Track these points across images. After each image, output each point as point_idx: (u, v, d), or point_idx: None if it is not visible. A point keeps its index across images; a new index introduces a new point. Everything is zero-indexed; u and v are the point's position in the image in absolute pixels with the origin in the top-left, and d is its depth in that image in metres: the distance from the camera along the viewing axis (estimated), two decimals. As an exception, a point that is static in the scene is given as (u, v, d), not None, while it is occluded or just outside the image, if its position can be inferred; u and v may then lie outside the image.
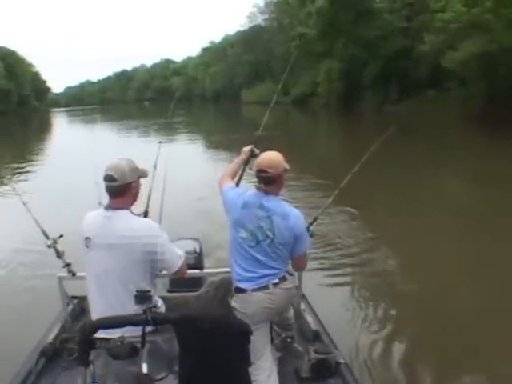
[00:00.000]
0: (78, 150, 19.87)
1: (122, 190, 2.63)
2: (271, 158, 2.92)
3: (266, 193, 2.89)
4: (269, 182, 2.89)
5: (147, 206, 3.90)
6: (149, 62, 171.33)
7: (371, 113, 35.54)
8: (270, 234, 2.83)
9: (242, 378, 2.15)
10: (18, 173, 15.53)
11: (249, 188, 3.10)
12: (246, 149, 3.45)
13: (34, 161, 19.38)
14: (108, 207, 2.67)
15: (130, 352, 1.97)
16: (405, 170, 12.77)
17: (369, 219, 8.58)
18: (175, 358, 2.14)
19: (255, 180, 2.97)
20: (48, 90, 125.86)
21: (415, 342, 4.60)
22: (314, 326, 3.58)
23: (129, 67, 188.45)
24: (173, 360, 2.23)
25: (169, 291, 3.84)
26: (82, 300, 3.86)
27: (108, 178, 2.61)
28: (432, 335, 4.63)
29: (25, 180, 14.15)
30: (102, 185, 4.26)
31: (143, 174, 2.82)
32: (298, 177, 11.35)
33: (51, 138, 37.76)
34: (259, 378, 2.76)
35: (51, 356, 3.25)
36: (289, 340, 3.46)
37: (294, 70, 57.28)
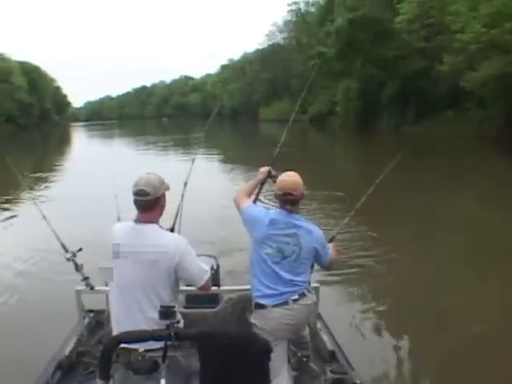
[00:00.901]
0: (96, 164, 19.98)
1: (152, 204, 2.69)
2: (294, 180, 3.06)
3: (290, 212, 3.04)
4: (294, 203, 3.04)
5: (174, 222, 3.92)
6: (168, 79, 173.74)
7: (388, 133, 35.49)
8: (296, 249, 2.98)
9: None
10: (38, 185, 15.79)
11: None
12: (264, 170, 3.51)
13: (53, 174, 19.69)
14: (137, 220, 2.71)
15: (151, 367, 2.00)
16: (420, 193, 12.65)
17: (384, 241, 8.52)
18: (194, 374, 2.16)
19: (269, 199, 3.03)
20: (68, 104, 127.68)
21: (433, 366, 4.54)
22: (330, 345, 3.58)
23: (148, 83, 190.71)
24: (191, 376, 2.25)
25: (185, 307, 3.86)
26: (98, 313, 3.91)
27: (140, 193, 2.65)
28: (453, 360, 4.58)
29: (44, 192, 14.37)
30: (121, 199, 4.35)
31: (167, 188, 2.86)
32: (313, 197, 11.34)
33: (71, 152, 38.30)
34: (276, 397, 2.78)
35: (67, 369, 3.29)
36: (305, 359, 3.46)
37: (312, 89, 57.58)
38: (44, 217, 3.85)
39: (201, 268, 2.77)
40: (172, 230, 3.78)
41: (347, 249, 7.48)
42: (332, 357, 3.47)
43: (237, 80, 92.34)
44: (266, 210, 3.15)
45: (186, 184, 4.33)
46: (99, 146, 40.78)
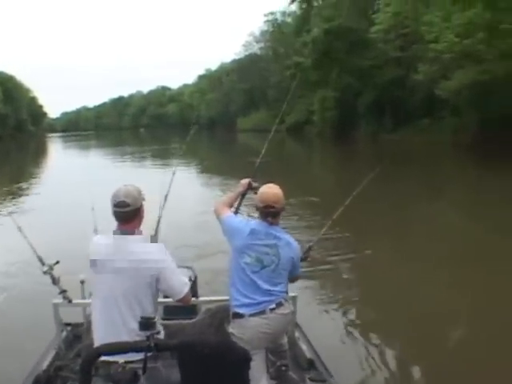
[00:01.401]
0: (72, 175, 19.85)
1: (133, 214, 2.70)
2: (276, 193, 3.10)
3: (271, 224, 3.07)
4: (275, 215, 3.08)
5: (156, 232, 3.91)
6: (145, 89, 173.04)
7: (365, 142, 35.97)
8: (275, 259, 3.02)
9: None
10: (13, 197, 15.60)
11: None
12: (244, 181, 3.51)
13: (29, 185, 19.44)
14: (117, 232, 2.72)
15: (131, 378, 1.99)
16: (396, 201, 12.79)
17: (361, 249, 8.55)
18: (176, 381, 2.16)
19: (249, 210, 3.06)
20: (45, 114, 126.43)
21: (412, 371, 4.58)
22: (308, 353, 3.58)
23: (125, 93, 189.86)
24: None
25: (163, 319, 3.84)
26: (76, 327, 3.86)
27: (121, 204, 2.66)
28: (431, 365, 4.61)
29: (20, 203, 14.19)
30: (98, 210, 4.33)
31: (143, 198, 2.87)
32: (291, 206, 11.39)
33: (47, 163, 37.76)
34: (256, 406, 2.77)
35: None
36: (283, 368, 3.44)
37: (289, 99, 57.98)
38: (19, 228, 3.77)
39: (181, 280, 2.78)
40: (153, 239, 3.78)
41: (325, 257, 7.49)
42: (310, 365, 3.46)
43: (214, 90, 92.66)
44: (247, 220, 3.19)
45: (166, 196, 4.29)
46: (76, 157, 40.46)
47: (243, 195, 3.56)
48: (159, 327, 2.72)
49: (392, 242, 9.35)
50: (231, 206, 3.43)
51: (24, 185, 19.44)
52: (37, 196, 16.56)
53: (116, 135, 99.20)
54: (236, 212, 3.48)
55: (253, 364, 2.47)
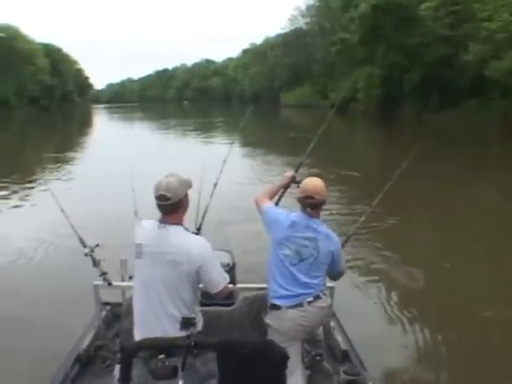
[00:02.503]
0: (115, 149, 19.81)
1: (174, 207, 2.70)
2: (317, 185, 3.11)
3: (311, 216, 3.08)
4: (315, 207, 3.09)
5: (201, 223, 3.91)
6: (189, 62, 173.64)
7: (410, 121, 35.10)
8: (314, 252, 3.03)
9: None
10: (57, 167, 15.94)
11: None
12: (288, 174, 3.54)
13: (73, 157, 19.64)
14: (162, 221, 2.73)
15: (170, 373, 2.05)
16: (440, 184, 12.48)
17: (403, 234, 8.47)
18: (212, 379, 2.22)
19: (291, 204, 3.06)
20: (90, 86, 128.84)
21: (450, 365, 4.52)
22: (343, 345, 3.62)
23: (170, 66, 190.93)
24: (210, 382, 2.31)
25: (201, 303, 3.90)
26: (115, 306, 3.98)
27: (161, 198, 2.66)
28: (472, 358, 4.57)
29: (63, 178, 14.21)
30: (139, 193, 4.39)
31: (190, 185, 2.86)
32: (333, 188, 11.32)
33: (92, 134, 38.37)
34: (290, 397, 2.82)
35: (85, 363, 3.38)
36: (318, 358, 3.50)
37: (334, 75, 57.31)
38: (62, 210, 3.87)
39: (220, 274, 2.81)
40: (198, 229, 3.82)
41: (365, 243, 7.43)
42: (345, 357, 3.50)
43: (258, 64, 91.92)
44: (287, 212, 3.18)
45: (215, 185, 4.27)
46: (120, 129, 41.07)
47: (286, 188, 3.58)
48: (199, 315, 2.81)
49: (435, 224, 9.21)
50: (272, 197, 3.44)
51: (69, 155, 19.86)
52: (80, 167, 16.78)
53: (160, 107, 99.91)
54: (276, 204, 3.50)
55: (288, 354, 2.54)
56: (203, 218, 3.96)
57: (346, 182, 12.55)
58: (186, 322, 2.13)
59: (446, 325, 5.24)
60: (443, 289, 6.10)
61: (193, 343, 2.05)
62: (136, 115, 67.30)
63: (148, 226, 2.81)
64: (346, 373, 3.15)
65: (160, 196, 2.66)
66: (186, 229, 2.79)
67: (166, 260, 2.67)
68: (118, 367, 2.95)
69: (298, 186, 3.30)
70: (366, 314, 5.33)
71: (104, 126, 46.31)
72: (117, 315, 3.85)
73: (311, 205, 3.07)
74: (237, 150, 19.54)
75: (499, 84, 26.12)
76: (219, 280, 2.79)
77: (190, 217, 3.13)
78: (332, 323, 3.84)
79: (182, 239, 2.72)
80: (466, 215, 9.68)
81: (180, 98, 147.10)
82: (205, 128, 35.55)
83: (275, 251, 3.08)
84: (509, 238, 8.07)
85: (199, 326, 2.79)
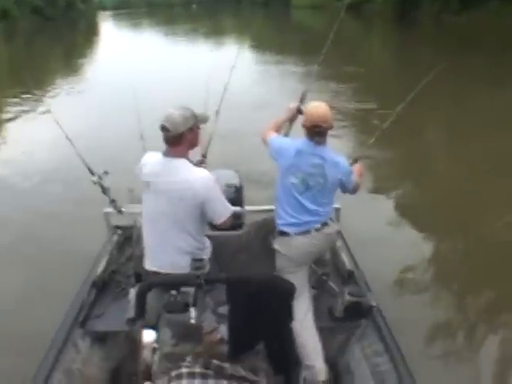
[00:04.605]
0: (120, 63, 19.51)
1: (176, 139, 2.69)
2: (323, 112, 3.02)
3: (318, 143, 3.04)
4: (323, 134, 3.03)
5: (206, 152, 3.85)
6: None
7: (430, 23, 33.37)
8: (321, 180, 3.02)
9: (285, 332, 2.41)
10: (63, 87, 15.55)
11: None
12: (293, 106, 3.46)
13: (79, 73, 19.38)
14: (166, 154, 2.76)
15: (183, 307, 2.17)
16: (459, 87, 12.19)
17: (419, 143, 8.31)
18: (223, 311, 2.34)
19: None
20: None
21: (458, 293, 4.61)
22: (348, 265, 3.70)
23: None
24: (221, 314, 2.43)
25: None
26: (126, 229, 4.07)
27: (162, 128, 2.69)
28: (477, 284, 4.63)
29: (66, 99, 13.74)
30: (144, 117, 4.35)
31: (203, 120, 2.86)
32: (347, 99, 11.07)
33: (98, 44, 37.55)
34: (296, 317, 2.89)
35: (101, 287, 3.51)
36: (324, 277, 3.61)
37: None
38: (69, 139, 3.85)
39: (224, 205, 2.83)
40: (204, 156, 3.77)
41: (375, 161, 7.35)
42: (350, 277, 3.59)
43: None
44: (294, 140, 3.14)
45: (217, 112, 4.15)
46: (128, 39, 39.82)
47: (292, 121, 3.52)
48: (205, 241, 2.92)
49: (449, 135, 9.08)
50: (278, 130, 3.39)
51: (75, 71, 19.57)
52: (86, 84, 16.37)
53: (168, 12, 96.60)
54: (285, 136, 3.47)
55: (296, 280, 2.64)
56: (209, 143, 3.91)
57: (359, 93, 12.21)
58: (196, 265, 2.36)
59: (453, 242, 5.31)
60: (455, 202, 6.10)
61: (202, 281, 2.16)
62: (143, 21, 65.29)
63: (152, 159, 2.83)
64: (350, 294, 3.23)
65: (161, 126, 2.69)
66: (189, 161, 2.79)
67: (171, 193, 2.70)
68: (132, 291, 3.07)
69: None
70: (373, 232, 5.33)
71: (111, 36, 44.94)
72: (128, 238, 3.94)
73: (318, 133, 3.01)
74: (247, 60, 19.15)
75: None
76: (222, 211, 2.82)
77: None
78: (338, 243, 3.90)
79: (185, 172, 2.72)
80: (482, 127, 9.44)
81: (188, 1, 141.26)
82: (213, 34, 34.53)
83: (282, 180, 3.08)
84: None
85: (208, 252, 2.90)
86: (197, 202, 2.71)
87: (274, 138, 3.21)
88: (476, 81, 13.25)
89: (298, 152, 3.02)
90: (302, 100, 3.56)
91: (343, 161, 3.12)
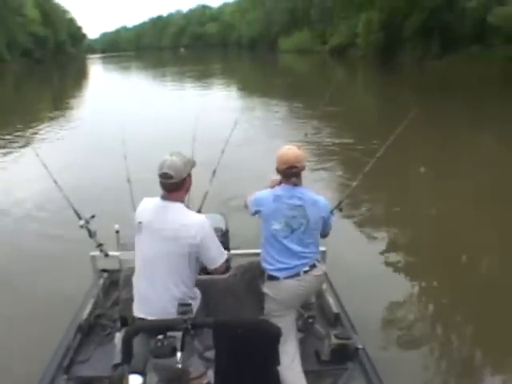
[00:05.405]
0: (110, 105, 19.33)
1: (177, 185, 2.74)
2: (297, 153, 3.09)
3: (295, 185, 3.08)
4: (298, 175, 3.08)
5: (202, 203, 3.93)
6: (185, 8, 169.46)
7: (411, 67, 34.46)
8: (304, 221, 3.03)
9: (272, 376, 2.41)
10: (50, 129, 15.24)
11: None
12: (275, 178, 3.40)
13: (67, 115, 19.24)
14: (164, 198, 2.78)
15: (170, 352, 2.15)
16: (441, 130, 12.42)
17: (400, 189, 8.43)
18: (210, 355, 2.33)
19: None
20: (84, 35, 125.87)
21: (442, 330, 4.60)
22: (334, 308, 3.70)
23: (164, 12, 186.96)
24: (208, 359, 2.43)
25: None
26: (112, 273, 4.05)
27: (164, 176, 2.70)
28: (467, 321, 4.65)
29: (54, 140, 13.55)
30: (131, 160, 4.40)
31: (193, 165, 2.89)
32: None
33: (87, 87, 37.83)
34: (283, 361, 2.86)
35: (87, 332, 3.48)
36: (310, 321, 3.61)
37: (332, 20, 55.95)
38: (56, 182, 3.88)
39: (219, 251, 2.84)
40: (199, 211, 3.82)
41: (358, 200, 7.41)
42: (337, 319, 3.59)
43: (256, 9, 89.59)
44: (271, 189, 3.17)
45: (214, 172, 4.29)
46: (116, 82, 40.31)
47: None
48: (195, 292, 2.90)
49: (436, 173, 9.22)
50: None
51: (62, 112, 19.54)
52: (70, 133, 15.47)
53: (156, 56, 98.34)
54: None
55: (283, 323, 2.65)
56: (204, 199, 4.01)
57: (342, 130, 12.41)
58: (183, 309, 2.24)
59: (440, 283, 5.33)
60: (438, 244, 6.15)
61: (190, 326, 2.16)
62: (132, 64, 66.27)
63: (149, 203, 2.85)
64: (337, 337, 3.24)
65: (163, 174, 2.70)
66: (187, 206, 2.83)
67: (166, 236, 2.70)
68: (118, 335, 3.06)
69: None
70: (358, 272, 5.31)
71: (99, 78, 45.51)
72: (114, 282, 3.92)
73: (295, 174, 3.06)
74: (234, 103, 19.40)
75: (501, 30, 25.43)
76: (217, 257, 2.83)
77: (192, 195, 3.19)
78: (324, 285, 3.89)
79: (182, 216, 2.75)
80: (464, 165, 9.67)
81: (176, 45, 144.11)
82: (201, 76, 35.07)
83: (266, 227, 3.09)
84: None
85: (197, 302, 2.87)
86: (192, 246, 2.71)
87: (252, 196, 3.21)
88: (457, 123, 13.52)
89: (277, 198, 3.05)
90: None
91: (322, 199, 3.15)
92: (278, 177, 3.42)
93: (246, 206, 3.27)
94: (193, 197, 3.75)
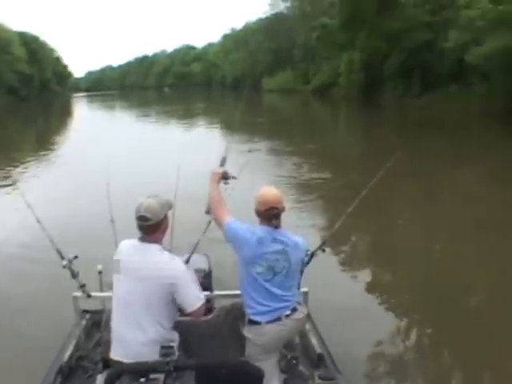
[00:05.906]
0: (93, 147, 18.69)
1: (155, 227, 2.79)
2: (277, 194, 3.08)
3: (276, 227, 3.06)
4: (278, 216, 3.07)
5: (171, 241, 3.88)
6: (169, 48, 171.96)
7: (392, 106, 35.22)
8: (286, 264, 3.03)
9: None
10: (30, 172, 14.82)
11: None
12: (217, 170, 3.37)
13: (50, 154, 18.95)
14: (142, 239, 2.83)
15: None
16: (422, 167, 12.64)
17: (380, 229, 8.48)
18: None
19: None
20: (69, 74, 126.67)
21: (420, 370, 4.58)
22: (318, 348, 3.67)
23: (150, 52, 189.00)
24: None
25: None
26: (94, 314, 4.01)
27: (141, 219, 2.75)
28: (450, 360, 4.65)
29: (38, 180, 13.50)
30: (114, 201, 4.42)
31: (170, 206, 2.94)
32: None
33: (71, 125, 37.76)
34: (267, 403, 2.89)
35: (67, 374, 3.40)
36: (294, 362, 3.58)
37: (315, 60, 57.19)
38: (39, 221, 3.83)
39: (195, 294, 2.84)
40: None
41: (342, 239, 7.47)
42: (320, 360, 3.56)
43: (239, 50, 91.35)
44: (252, 228, 3.07)
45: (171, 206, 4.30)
46: (101, 121, 40.44)
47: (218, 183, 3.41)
48: (173, 333, 2.88)
49: (418, 210, 9.32)
50: (223, 202, 3.24)
51: (46, 152, 19.26)
52: (56, 167, 16.00)
53: (141, 95, 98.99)
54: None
55: (265, 367, 2.63)
56: (171, 236, 3.89)
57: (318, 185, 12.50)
58: (165, 352, 2.27)
59: (424, 322, 5.35)
60: (424, 283, 6.18)
61: (172, 368, 2.16)
62: (116, 103, 66.49)
63: (127, 244, 2.89)
64: (321, 378, 3.22)
65: (140, 217, 2.75)
66: (163, 247, 2.86)
67: (142, 276, 2.73)
68: (99, 377, 3.01)
69: (225, 183, 3.34)
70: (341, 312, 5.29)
71: (84, 117, 45.29)
72: (97, 323, 3.88)
73: (275, 215, 3.03)
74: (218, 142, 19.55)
75: (478, 69, 26.22)
76: (193, 300, 2.82)
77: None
78: (307, 326, 3.86)
79: (158, 257, 2.78)
80: (447, 198, 9.92)
81: (161, 84, 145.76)
82: (185, 116, 35.37)
83: (246, 270, 3.03)
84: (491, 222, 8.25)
85: (176, 344, 2.84)
86: (167, 287, 2.73)
87: (231, 222, 3.06)
88: (439, 162, 13.78)
89: (259, 241, 2.99)
90: (222, 164, 3.52)
91: (301, 240, 3.15)
92: (218, 169, 3.38)
93: (219, 224, 3.13)
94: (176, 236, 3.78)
